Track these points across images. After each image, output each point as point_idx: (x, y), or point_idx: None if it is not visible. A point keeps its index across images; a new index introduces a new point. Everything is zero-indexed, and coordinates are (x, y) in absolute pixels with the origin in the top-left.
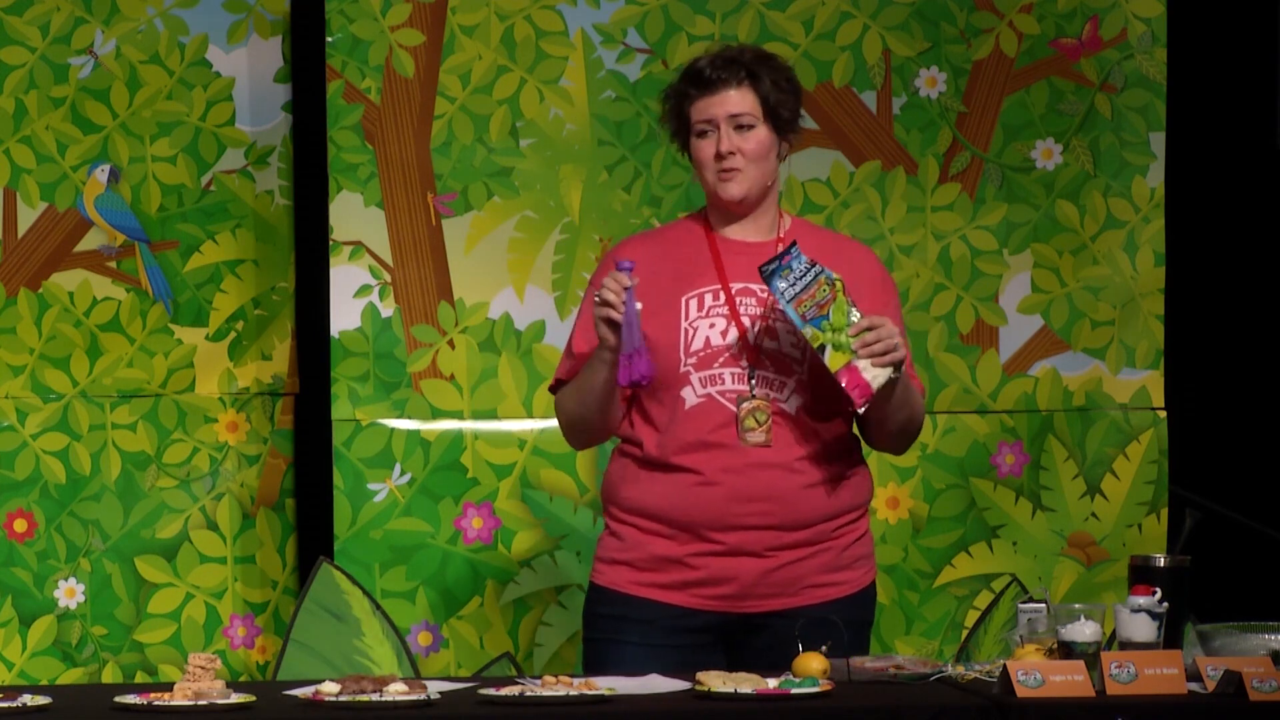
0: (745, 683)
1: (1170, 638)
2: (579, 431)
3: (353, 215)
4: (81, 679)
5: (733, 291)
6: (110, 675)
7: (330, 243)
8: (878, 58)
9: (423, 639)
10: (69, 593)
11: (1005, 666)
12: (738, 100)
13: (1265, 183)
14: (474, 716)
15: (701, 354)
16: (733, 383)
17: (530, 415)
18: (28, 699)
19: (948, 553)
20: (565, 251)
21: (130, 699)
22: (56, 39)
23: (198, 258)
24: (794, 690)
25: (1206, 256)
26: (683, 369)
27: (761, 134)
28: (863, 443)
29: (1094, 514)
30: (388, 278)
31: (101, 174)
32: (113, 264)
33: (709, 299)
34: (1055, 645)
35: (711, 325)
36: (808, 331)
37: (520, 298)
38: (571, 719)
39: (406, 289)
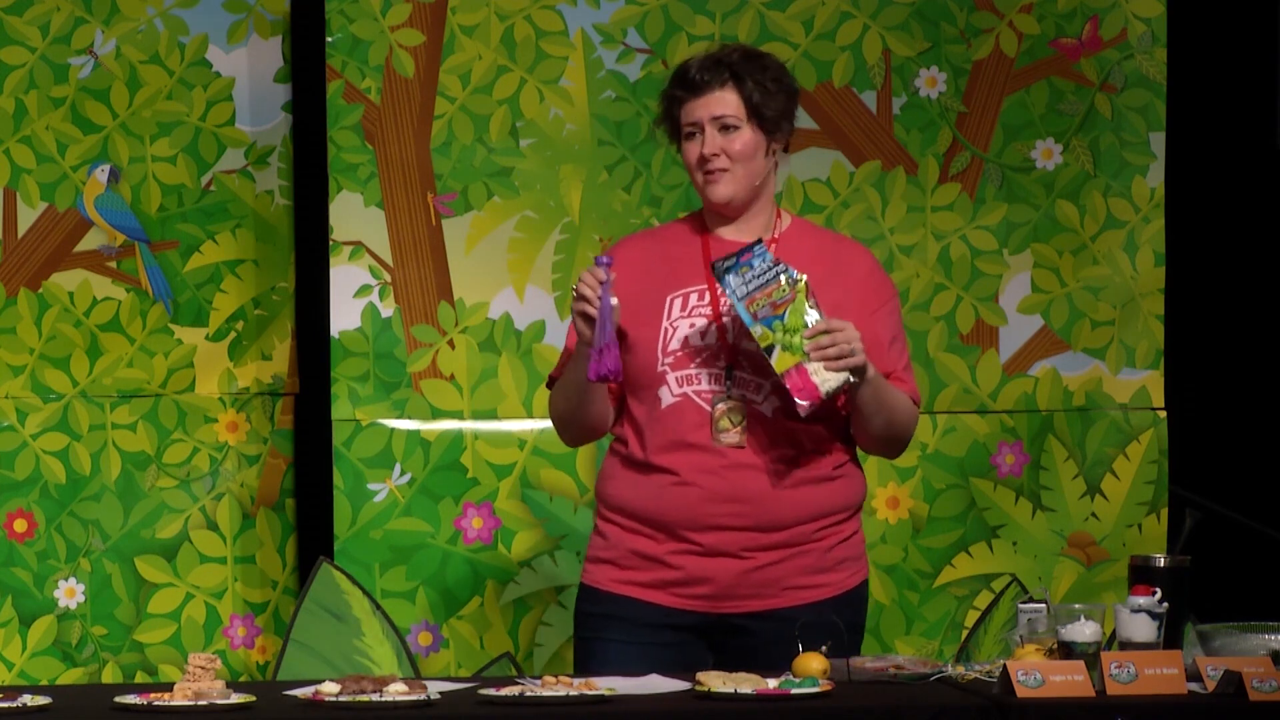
0: (745, 683)
1: (1170, 638)
2: (567, 427)
3: (353, 215)
4: (81, 679)
5: (718, 292)
6: (110, 675)
7: (330, 243)
8: (878, 58)
9: (423, 639)
10: (69, 593)
11: (1005, 666)
12: (721, 102)
13: (1265, 183)
14: (474, 716)
15: (678, 353)
16: (709, 383)
17: (530, 415)
18: (28, 699)
19: (948, 553)
20: (565, 251)
21: (130, 699)
22: (56, 39)
23: (198, 258)
24: (794, 690)
25: (1206, 256)
26: (659, 368)
27: (746, 135)
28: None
29: (1094, 514)
30: (388, 278)
31: (101, 174)
32: (113, 264)
33: (693, 299)
34: (1055, 645)
35: (692, 325)
36: (757, 330)
37: (520, 298)
38: (571, 719)
39: (406, 289)
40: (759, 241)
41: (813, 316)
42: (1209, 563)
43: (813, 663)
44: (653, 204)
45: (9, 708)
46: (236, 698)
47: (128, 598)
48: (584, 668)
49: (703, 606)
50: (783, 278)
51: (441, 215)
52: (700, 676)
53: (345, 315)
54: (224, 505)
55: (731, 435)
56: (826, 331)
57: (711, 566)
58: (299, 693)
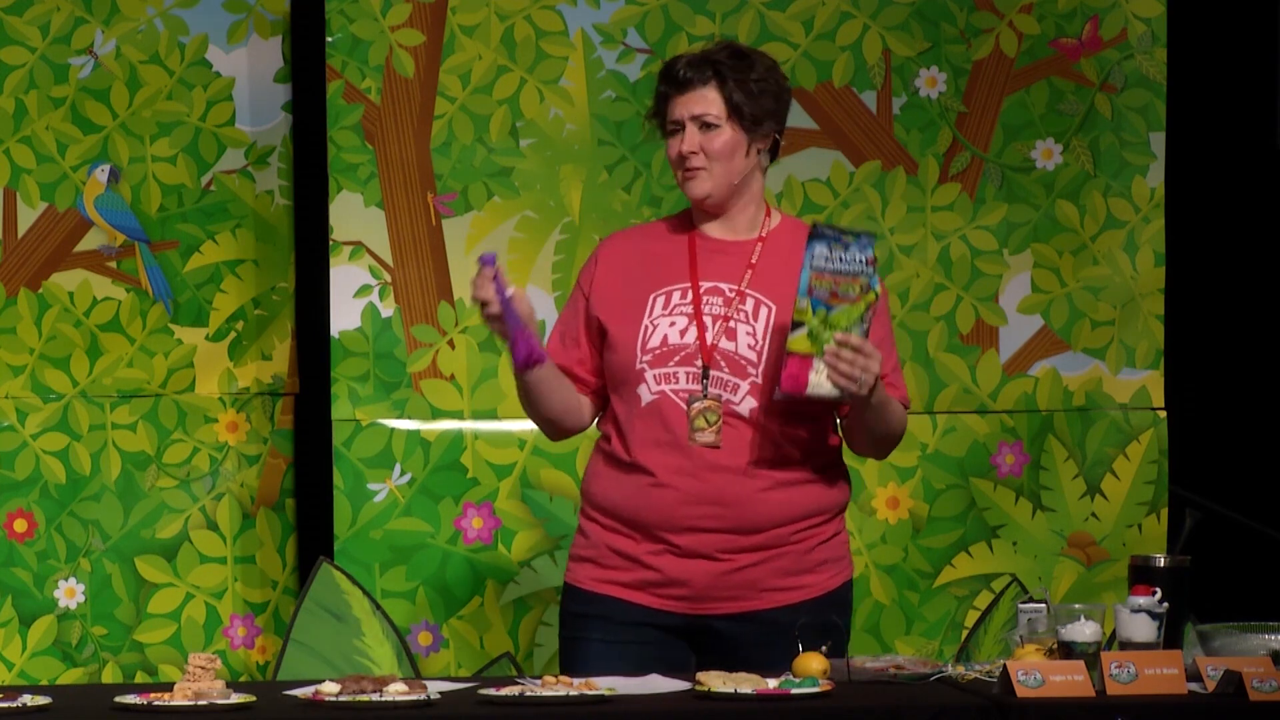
0: (745, 683)
1: (1170, 638)
2: (541, 426)
3: (353, 215)
4: (81, 679)
5: (700, 290)
6: (110, 675)
7: (330, 243)
8: (878, 58)
9: (423, 639)
10: (69, 593)
11: (1005, 666)
12: (702, 100)
13: (1265, 183)
14: (474, 716)
15: (657, 352)
16: (687, 382)
17: None
18: (28, 699)
19: (948, 553)
20: (565, 251)
21: (130, 699)
22: (56, 39)
23: (198, 258)
24: (794, 690)
25: (1206, 256)
26: (638, 366)
27: (726, 134)
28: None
29: (1094, 514)
30: (388, 278)
31: (101, 174)
32: (113, 264)
33: (676, 296)
34: (1055, 645)
35: (672, 323)
36: (802, 303)
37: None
38: (571, 719)
39: (406, 289)
40: (875, 235)
41: (857, 330)
42: (1209, 563)
43: (813, 663)
44: (653, 204)
45: (9, 708)
46: (236, 698)
47: (128, 598)
48: (568, 666)
49: (682, 608)
50: (862, 279)
51: (441, 215)
52: (700, 676)
53: (345, 315)
54: (224, 505)
55: (707, 435)
56: (855, 349)
57: (689, 568)
58: (299, 693)
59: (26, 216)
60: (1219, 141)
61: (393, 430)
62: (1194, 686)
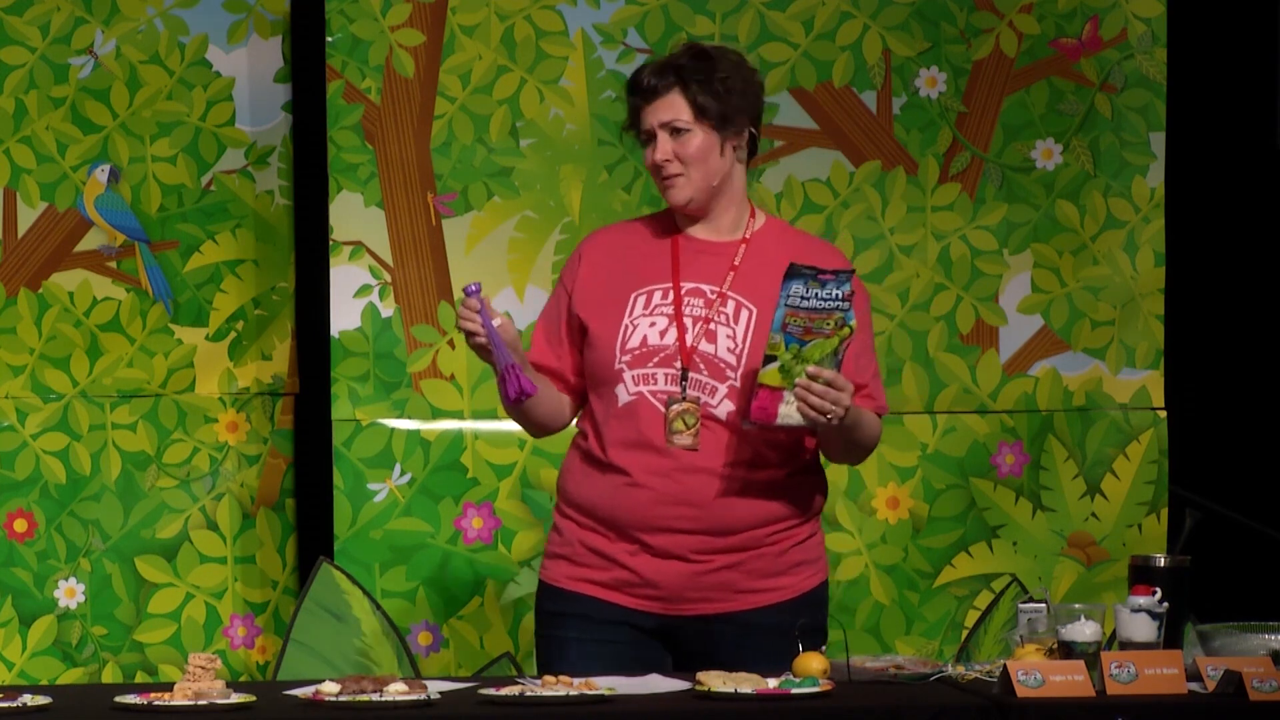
0: (745, 683)
1: (1170, 638)
2: (522, 425)
3: (353, 215)
4: (81, 679)
5: (682, 291)
6: (110, 675)
7: (330, 243)
8: (878, 58)
9: (423, 639)
10: (69, 593)
11: (1005, 666)
12: (668, 106)
13: (1265, 183)
14: (474, 716)
15: (636, 352)
16: (665, 383)
17: None
18: (28, 699)
19: (948, 553)
20: (565, 251)
21: (130, 699)
22: (56, 39)
23: (198, 258)
24: (794, 690)
25: (1206, 256)
26: (617, 366)
27: (698, 138)
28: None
29: (1094, 514)
30: (388, 278)
31: (101, 174)
32: (113, 264)
33: (657, 297)
34: (1055, 645)
35: (652, 324)
36: (775, 338)
37: (520, 298)
38: (571, 719)
39: (406, 289)
40: (852, 271)
41: (829, 365)
42: (1209, 563)
43: (813, 663)
44: (653, 204)
45: (9, 708)
46: (236, 698)
47: (128, 598)
48: (545, 665)
49: (656, 608)
50: (837, 315)
51: (441, 215)
52: (700, 676)
53: (345, 315)
54: (224, 505)
55: (684, 438)
56: (827, 383)
57: (662, 569)
58: (299, 693)
59: (26, 216)
60: (1219, 141)
61: (393, 430)
62: (1194, 686)
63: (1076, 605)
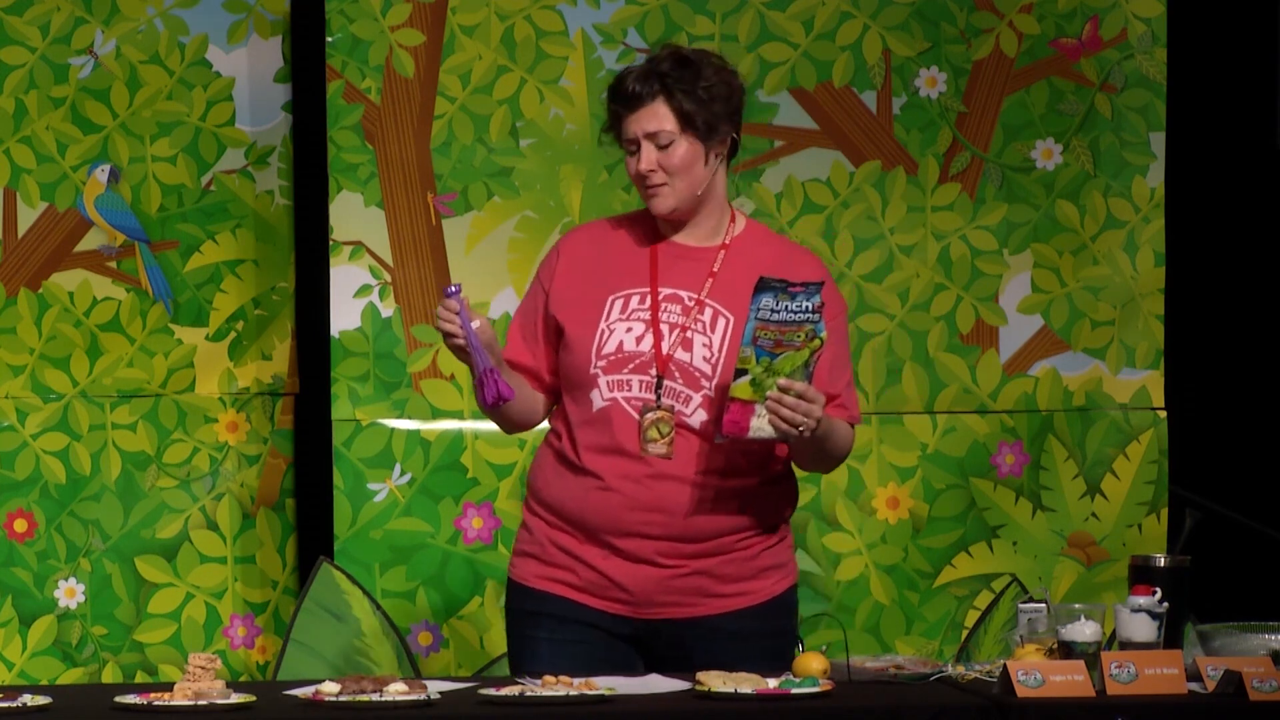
0: (745, 683)
1: (1170, 638)
2: (496, 421)
3: (353, 215)
4: (81, 679)
5: (659, 297)
6: (110, 675)
7: (330, 243)
8: (878, 58)
9: (423, 639)
10: (69, 593)
11: (1005, 666)
12: (653, 117)
13: (1265, 183)
14: (474, 716)
15: (612, 358)
16: (640, 390)
17: None
18: (28, 699)
19: (948, 553)
20: None
21: (130, 699)
22: (56, 39)
23: (198, 258)
24: (794, 690)
25: (1206, 256)
26: (592, 370)
27: (683, 147)
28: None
29: (1094, 514)
30: (388, 278)
31: (101, 174)
32: (113, 264)
33: (634, 301)
34: (1055, 645)
35: (629, 329)
36: (745, 352)
37: (520, 298)
38: (571, 719)
39: (406, 289)
40: (822, 283)
41: (800, 376)
42: (1209, 563)
43: (813, 663)
44: None
45: (9, 708)
46: (236, 698)
47: (128, 598)
48: (517, 665)
49: (626, 611)
50: (808, 327)
51: (441, 215)
52: (700, 676)
53: (345, 315)
54: (224, 505)
55: (659, 446)
56: (798, 395)
57: (632, 572)
58: (299, 693)
59: (26, 216)
60: (1219, 141)
61: (393, 430)
62: (1194, 686)
63: (1076, 605)
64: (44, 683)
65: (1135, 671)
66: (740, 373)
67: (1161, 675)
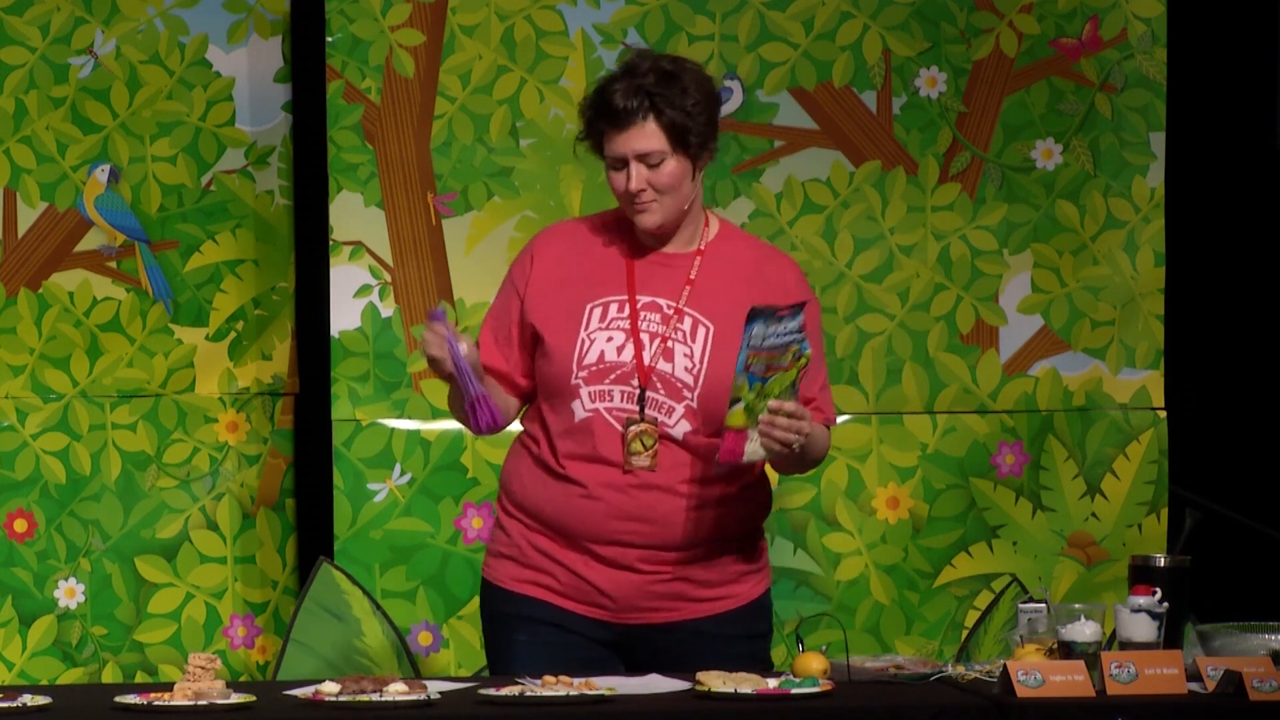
0: (745, 683)
1: (1170, 638)
2: (469, 428)
3: (353, 215)
4: (81, 679)
5: (638, 305)
6: (110, 675)
7: (330, 243)
8: (878, 58)
9: (423, 639)
10: (69, 593)
11: (1005, 666)
12: (643, 136)
13: (1265, 183)
14: (474, 716)
15: (594, 368)
16: (622, 401)
17: None
18: (28, 699)
19: (948, 553)
20: None
21: (130, 699)
22: (56, 39)
23: (198, 258)
24: (794, 690)
25: (1206, 256)
26: (573, 381)
27: (672, 165)
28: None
29: (1094, 514)
30: (388, 278)
31: (101, 174)
32: (113, 264)
33: (613, 309)
34: (1055, 645)
35: (609, 339)
36: (739, 380)
37: None
38: (571, 719)
39: (406, 289)
40: (804, 304)
41: (788, 395)
42: (1209, 563)
43: (813, 663)
44: None
45: (9, 708)
46: (236, 698)
47: (128, 598)
48: (494, 666)
49: (607, 616)
50: (795, 347)
51: (441, 215)
52: (700, 676)
53: (345, 315)
54: (224, 505)
55: (643, 459)
56: (787, 414)
57: (612, 578)
58: (299, 693)
59: (26, 216)
60: (1219, 141)
61: (393, 430)
62: (1194, 686)
63: (1076, 605)
64: (44, 683)
65: (1135, 671)
66: (733, 402)
67: (1161, 675)
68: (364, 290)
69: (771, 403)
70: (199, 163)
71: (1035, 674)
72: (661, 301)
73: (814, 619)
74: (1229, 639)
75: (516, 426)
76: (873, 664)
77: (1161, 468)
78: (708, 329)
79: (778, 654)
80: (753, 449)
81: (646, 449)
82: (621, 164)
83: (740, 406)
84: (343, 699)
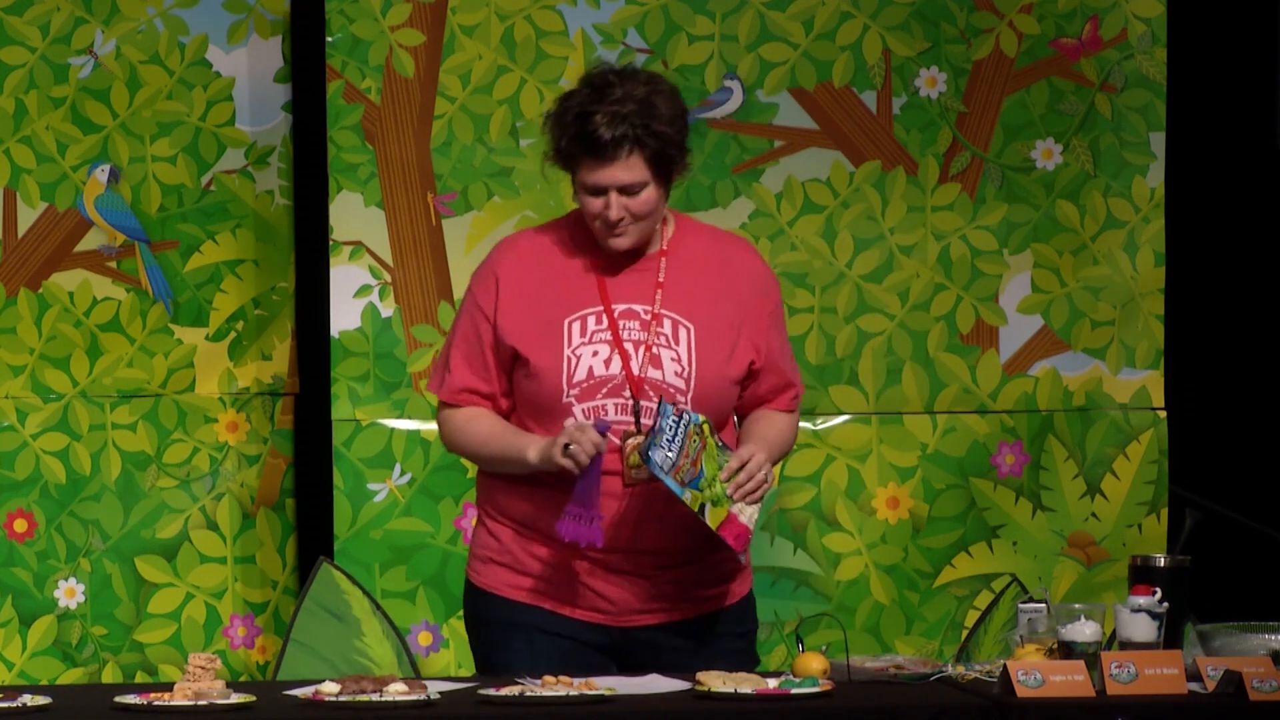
0: (745, 683)
1: (1170, 638)
2: (451, 447)
3: (353, 215)
4: (81, 679)
5: (615, 314)
6: (110, 675)
7: (330, 243)
8: (878, 58)
9: (423, 639)
10: (69, 593)
11: (1005, 666)
12: (628, 170)
13: (1265, 183)
14: (474, 716)
15: (584, 385)
16: (616, 414)
17: None
18: (28, 699)
19: (948, 553)
20: None
21: (130, 699)
22: (56, 39)
23: (198, 258)
24: (794, 690)
25: (1206, 256)
26: (565, 399)
27: (650, 192)
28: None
29: (1094, 514)
30: (388, 278)
31: (101, 174)
32: (113, 264)
33: (591, 322)
34: (1055, 645)
35: (595, 353)
36: (687, 496)
37: None
38: (571, 719)
39: (406, 289)
40: (660, 401)
41: (724, 456)
42: (1209, 563)
43: (813, 663)
44: None
45: (9, 708)
46: (236, 698)
47: (128, 598)
48: (486, 674)
49: (606, 620)
50: (691, 428)
51: (441, 215)
52: (700, 676)
53: (345, 315)
54: (224, 505)
55: (641, 473)
56: (740, 468)
57: (614, 583)
58: (299, 693)
59: (26, 216)
60: (1219, 141)
61: (393, 430)
62: (1194, 686)
63: (1076, 605)
64: (44, 683)
65: (1135, 671)
66: (701, 510)
67: (1161, 675)
68: (364, 290)
69: (722, 475)
70: (199, 163)
71: (1035, 674)
72: (638, 308)
73: (814, 619)
74: (1229, 639)
75: None
76: (873, 664)
77: (1161, 468)
78: (688, 329)
79: (778, 654)
80: (749, 515)
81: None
82: (600, 192)
83: (708, 508)
84: (343, 699)
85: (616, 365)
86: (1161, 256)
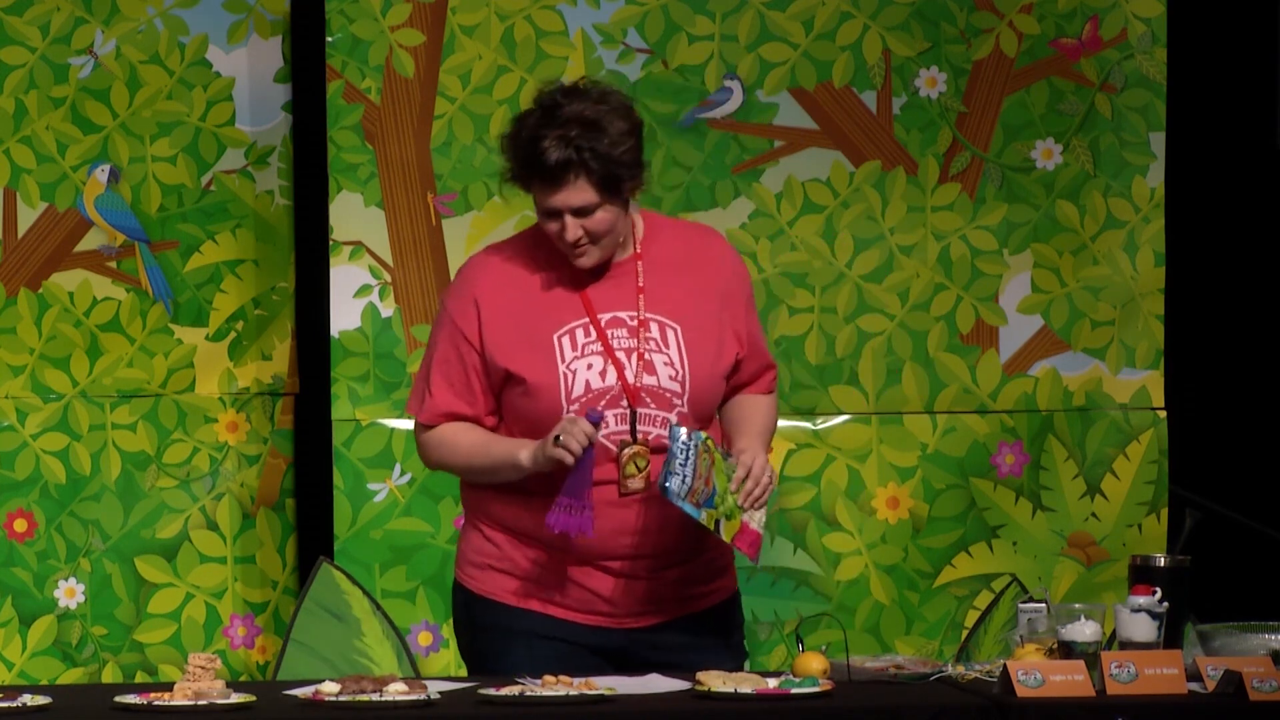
0: (745, 683)
1: (1170, 638)
2: (430, 463)
3: (353, 215)
4: (81, 679)
5: (602, 324)
6: (110, 675)
7: (330, 243)
8: (878, 58)
9: (423, 639)
10: (69, 593)
11: (1005, 666)
12: (576, 194)
13: (1265, 183)
14: (474, 716)
15: (584, 399)
16: (615, 424)
17: None
18: (28, 699)
19: (948, 553)
20: None
21: (130, 699)
22: (56, 39)
23: (198, 258)
24: (794, 690)
25: (1206, 256)
26: (565, 416)
27: (606, 211)
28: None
29: (1094, 514)
30: (388, 278)
31: (101, 174)
32: (113, 264)
33: (580, 335)
34: (1055, 645)
35: (589, 366)
36: (701, 516)
37: None
38: (571, 719)
39: (406, 289)
40: (671, 426)
41: (730, 467)
42: (1209, 563)
43: (813, 663)
44: (652, 204)
45: (9, 708)
46: (236, 698)
47: (128, 598)
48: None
49: (608, 622)
50: (700, 448)
51: (441, 215)
52: (700, 676)
53: (345, 315)
54: (224, 505)
55: (637, 481)
56: (745, 477)
57: (615, 586)
58: (299, 693)
59: (26, 216)
60: (1219, 141)
61: (393, 430)
62: (1194, 686)
63: (1076, 605)
64: (44, 683)
65: (1135, 671)
66: (716, 527)
67: (1161, 675)
68: (364, 290)
69: (731, 485)
70: (199, 163)
71: (1035, 674)
72: (623, 315)
73: (814, 619)
74: (1229, 639)
75: None
76: (873, 664)
77: (1161, 468)
78: (675, 330)
79: (778, 654)
80: (758, 520)
81: (640, 471)
82: (556, 214)
83: (723, 523)
84: (343, 699)
85: (612, 376)
86: (1161, 256)
